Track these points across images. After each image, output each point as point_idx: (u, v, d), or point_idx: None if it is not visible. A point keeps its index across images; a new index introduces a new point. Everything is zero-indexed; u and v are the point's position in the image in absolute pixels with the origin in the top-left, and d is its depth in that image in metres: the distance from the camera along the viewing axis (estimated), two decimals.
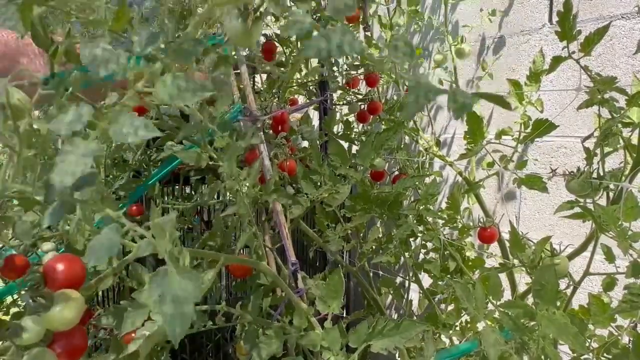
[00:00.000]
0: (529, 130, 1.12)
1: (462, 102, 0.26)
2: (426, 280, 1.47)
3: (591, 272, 0.97)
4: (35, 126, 0.34)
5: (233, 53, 1.14)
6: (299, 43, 1.28)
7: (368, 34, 1.64)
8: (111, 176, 1.18)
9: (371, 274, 1.51)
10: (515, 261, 1.01)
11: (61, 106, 0.31)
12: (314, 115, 1.65)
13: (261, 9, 0.37)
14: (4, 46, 0.88)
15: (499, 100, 0.29)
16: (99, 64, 0.32)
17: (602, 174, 0.93)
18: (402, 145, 1.58)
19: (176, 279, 0.34)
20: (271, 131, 1.28)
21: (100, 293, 1.36)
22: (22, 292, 0.50)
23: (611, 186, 0.91)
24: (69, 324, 0.47)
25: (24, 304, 0.48)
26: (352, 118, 1.62)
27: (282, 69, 1.32)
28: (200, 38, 0.34)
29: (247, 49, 1.23)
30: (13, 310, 1.07)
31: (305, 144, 1.58)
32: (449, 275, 1.31)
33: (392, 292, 1.54)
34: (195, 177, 1.34)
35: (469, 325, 1.30)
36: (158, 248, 0.37)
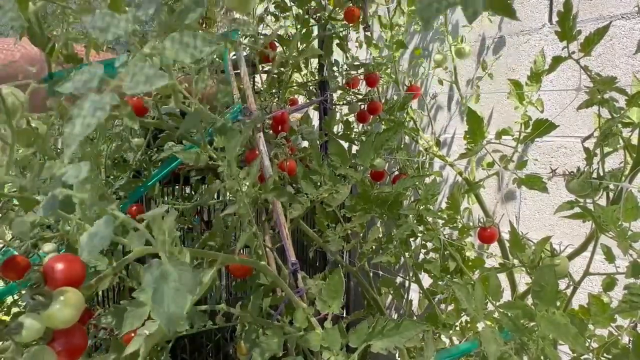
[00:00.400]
0: (529, 130, 1.12)
1: (474, 7, 0.25)
2: (426, 280, 1.47)
3: (591, 272, 0.97)
4: (33, 124, 0.34)
5: (233, 53, 1.14)
6: (298, 42, 1.28)
7: (368, 34, 1.64)
8: (111, 176, 1.18)
9: (371, 274, 1.51)
10: (515, 261, 1.01)
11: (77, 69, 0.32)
12: (314, 115, 1.65)
13: None
14: (36, 54, 0.92)
15: (503, 8, 0.26)
16: (102, 30, 0.32)
17: (602, 174, 0.92)
18: (402, 145, 1.58)
19: (169, 269, 0.34)
20: (271, 131, 1.28)
21: (100, 293, 1.36)
22: (23, 292, 0.50)
23: (611, 186, 0.91)
24: (68, 322, 0.48)
25: (24, 304, 0.48)
26: (352, 118, 1.62)
27: (282, 68, 1.32)
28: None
29: (247, 49, 1.23)
30: (14, 310, 1.07)
31: (305, 144, 1.58)
32: (449, 275, 1.31)
33: (392, 292, 1.54)
34: (195, 177, 1.35)
35: (468, 326, 1.30)
36: (151, 240, 0.37)
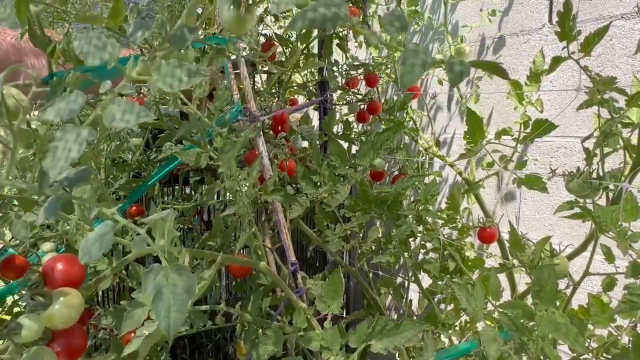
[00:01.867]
0: (528, 130, 1.12)
1: (459, 70, 0.26)
2: (426, 280, 1.47)
3: (591, 272, 0.97)
4: (33, 126, 0.34)
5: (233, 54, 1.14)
6: (298, 42, 1.28)
7: None
8: (111, 176, 1.18)
9: (371, 274, 1.51)
10: (515, 261, 1.00)
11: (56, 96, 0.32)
12: (314, 115, 1.65)
13: None
14: (11, 47, 0.89)
15: (494, 69, 0.28)
16: (90, 54, 0.32)
17: (601, 174, 0.92)
18: (401, 145, 1.58)
19: (170, 275, 0.34)
20: (271, 131, 1.28)
21: (100, 293, 1.36)
22: (23, 292, 0.50)
23: (611, 186, 0.91)
24: (67, 323, 0.48)
25: (25, 304, 0.48)
26: (352, 118, 1.62)
27: (282, 68, 1.32)
28: (194, 26, 0.34)
29: (247, 49, 1.23)
30: (16, 310, 1.07)
31: (305, 144, 1.58)
32: (448, 275, 1.31)
33: (391, 292, 1.54)
34: (193, 178, 1.35)
35: (468, 325, 1.30)
36: (151, 244, 0.37)
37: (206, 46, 1.04)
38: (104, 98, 0.32)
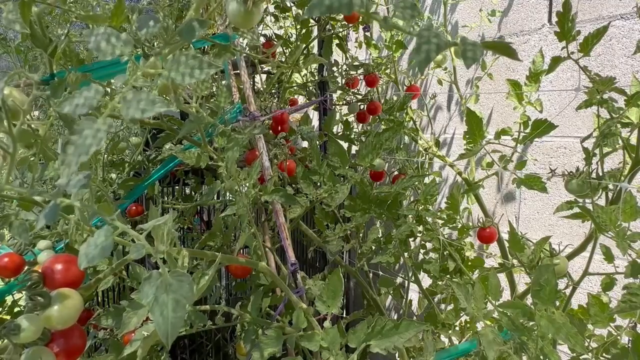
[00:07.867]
0: (528, 130, 1.12)
1: (473, 54, 0.27)
2: (426, 281, 1.47)
3: (590, 272, 0.97)
4: (33, 126, 0.34)
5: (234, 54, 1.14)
6: (298, 42, 1.28)
7: (368, 34, 1.64)
8: (112, 174, 1.18)
9: (370, 274, 1.51)
10: (515, 261, 1.01)
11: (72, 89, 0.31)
12: (314, 115, 1.65)
13: None
14: None
15: (505, 50, 0.28)
16: (104, 50, 0.32)
17: (601, 174, 0.93)
18: (401, 146, 1.58)
19: (168, 281, 0.34)
20: (271, 131, 1.28)
21: (100, 293, 1.36)
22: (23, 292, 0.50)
23: (610, 186, 0.91)
24: (66, 323, 0.48)
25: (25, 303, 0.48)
26: (352, 118, 1.62)
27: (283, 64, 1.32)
28: (203, 19, 0.34)
29: (247, 49, 1.23)
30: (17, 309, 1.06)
31: (305, 144, 1.58)
32: (448, 275, 1.31)
33: (391, 292, 1.54)
34: (191, 179, 1.35)
35: (468, 325, 1.30)
36: (150, 250, 0.37)
37: (206, 47, 1.04)
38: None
